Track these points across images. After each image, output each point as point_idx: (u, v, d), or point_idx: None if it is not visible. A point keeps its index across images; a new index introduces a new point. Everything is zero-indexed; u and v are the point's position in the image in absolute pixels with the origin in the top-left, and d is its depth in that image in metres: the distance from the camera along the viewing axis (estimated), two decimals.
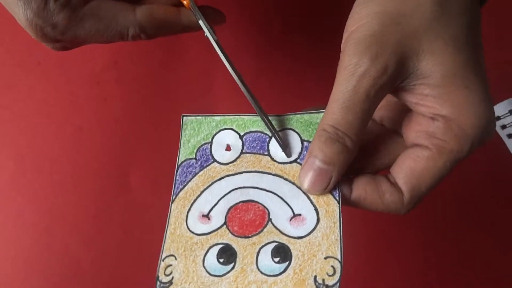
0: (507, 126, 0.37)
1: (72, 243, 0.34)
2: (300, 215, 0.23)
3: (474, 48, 0.21)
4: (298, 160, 0.24)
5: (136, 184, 0.35)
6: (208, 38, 0.25)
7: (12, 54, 0.38)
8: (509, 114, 0.37)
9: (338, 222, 0.22)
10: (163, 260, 0.23)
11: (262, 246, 0.22)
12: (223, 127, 0.25)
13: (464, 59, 0.20)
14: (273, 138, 0.25)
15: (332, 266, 0.21)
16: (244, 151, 0.24)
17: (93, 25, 0.23)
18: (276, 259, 0.21)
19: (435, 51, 0.20)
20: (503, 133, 0.37)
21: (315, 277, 0.21)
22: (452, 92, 0.20)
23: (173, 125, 0.37)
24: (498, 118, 0.37)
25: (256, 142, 0.25)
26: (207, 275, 0.21)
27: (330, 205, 0.22)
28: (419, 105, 0.22)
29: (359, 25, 0.21)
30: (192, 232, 0.23)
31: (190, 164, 0.25)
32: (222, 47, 0.25)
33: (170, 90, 0.38)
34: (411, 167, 0.22)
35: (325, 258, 0.21)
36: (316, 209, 0.23)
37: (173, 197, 0.24)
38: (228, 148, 0.25)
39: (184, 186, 0.24)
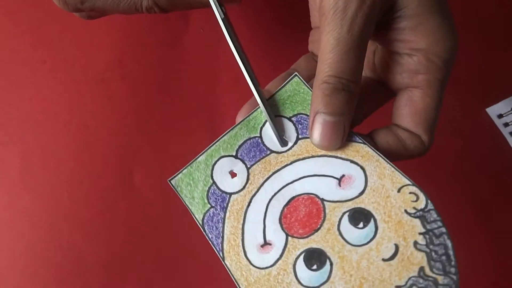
0: (510, 123, 0.37)
1: (78, 240, 0.34)
2: (343, 175, 0.21)
3: None
4: (299, 136, 0.23)
5: (141, 181, 0.35)
6: (216, 16, 0.24)
7: (19, 54, 0.38)
8: (511, 111, 0.37)
9: (380, 157, 0.21)
10: None
11: (338, 225, 0.21)
12: (213, 161, 0.23)
13: None
14: (263, 135, 0.23)
15: (410, 193, 0.20)
16: (249, 166, 0.23)
17: None
18: (360, 225, 0.20)
19: None
20: (505, 131, 0.37)
21: (405, 210, 0.20)
22: (428, 20, 0.21)
23: (178, 123, 0.38)
24: (501, 116, 0.37)
25: (252, 150, 0.23)
26: None
27: (360, 150, 0.22)
28: (396, 41, 0.22)
29: None
30: (266, 268, 0.21)
31: (211, 214, 0.22)
32: (230, 26, 0.24)
33: (174, 88, 0.38)
34: (413, 111, 0.23)
35: (399, 191, 0.20)
36: (352, 161, 0.22)
37: (221, 255, 0.21)
38: (233, 174, 0.23)
39: (223, 237, 0.22)
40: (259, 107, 0.23)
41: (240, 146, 0.23)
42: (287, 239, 0.21)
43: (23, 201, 0.34)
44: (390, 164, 0.21)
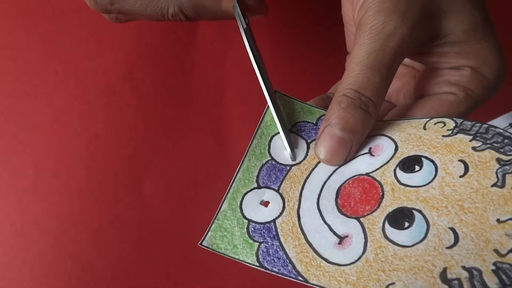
0: None
1: (88, 248, 0.35)
2: (370, 148, 0.22)
3: (485, 7, 0.22)
4: (309, 141, 0.23)
5: (149, 190, 0.36)
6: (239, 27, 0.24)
7: (32, 65, 0.40)
8: (509, 127, 0.38)
9: (389, 122, 0.22)
10: None
11: (398, 180, 0.20)
12: (239, 202, 0.22)
13: (481, 16, 0.21)
14: (274, 156, 0.23)
15: (436, 124, 0.21)
16: (277, 188, 0.22)
17: None
18: (416, 169, 0.20)
19: (455, 10, 0.21)
20: None
21: (443, 136, 0.20)
22: (474, 45, 0.21)
23: (186, 134, 0.39)
24: None
25: (272, 174, 0.22)
26: (415, 249, 0.18)
27: (378, 128, 0.22)
28: (439, 63, 0.22)
29: None
30: (360, 257, 0.19)
31: (264, 250, 0.20)
32: (251, 37, 0.24)
33: (182, 100, 0.39)
34: (434, 109, 0.22)
35: (425, 128, 0.21)
36: (369, 136, 0.22)
37: (302, 278, 0.19)
38: (265, 204, 0.22)
39: (292, 262, 0.19)
40: (255, 134, 0.23)
41: (258, 176, 0.22)
42: (360, 221, 0.19)
43: (35, 209, 0.35)
44: (401, 119, 0.22)
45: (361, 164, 0.21)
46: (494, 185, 0.18)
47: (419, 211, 0.19)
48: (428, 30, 0.20)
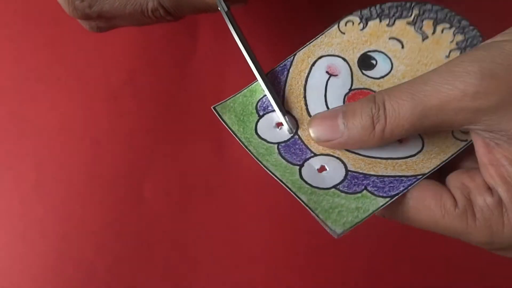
0: None
1: (89, 251, 0.35)
2: (329, 66, 0.25)
3: None
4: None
5: (150, 195, 0.37)
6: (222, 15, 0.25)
7: (35, 70, 0.40)
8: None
9: (317, 38, 0.25)
10: None
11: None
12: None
13: None
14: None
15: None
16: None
17: None
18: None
19: None
20: None
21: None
22: None
23: (186, 139, 0.39)
24: None
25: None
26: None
27: (310, 54, 0.25)
28: (485, 169, 0.19)
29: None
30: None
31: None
32: (234, 20, 0.25)
33: (183, 106, 0.40)
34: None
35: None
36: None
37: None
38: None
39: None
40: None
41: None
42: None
43: (37, 213, 0.36)
44: (313, 40, 0.25)
45: (338, 89, 0.24)
46: (423, 40, 0.25)
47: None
48: (492, 115, 0.18)
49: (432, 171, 0.22)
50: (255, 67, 0.25)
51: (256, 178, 0.36)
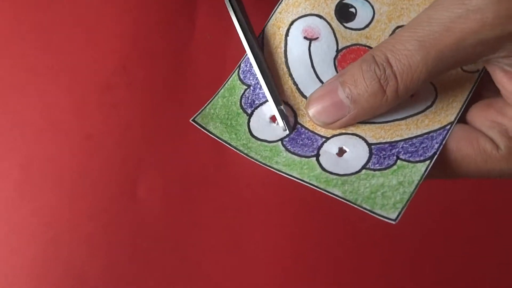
0: None
1: (80, 254, 0.33)
2: (305, 30, 0.22)
3: None
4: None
5: (144, 195, 0.34)
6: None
7: (22, 58, 0.37)
8: None
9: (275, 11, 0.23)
10: None
11: None
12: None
13: None
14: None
15: None
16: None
17: None
18: None
19: None
20: None
21: None
22: None
23: (184, 132, 0.36)
24: None
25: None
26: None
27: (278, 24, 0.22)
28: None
29: None
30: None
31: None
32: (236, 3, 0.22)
33: (180, 96, 0.37)
34: (471, 157, 0.19)
35: None
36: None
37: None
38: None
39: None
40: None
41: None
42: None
43: (22, 214, 0.33)
44: (273, 14, 0.22)
45: (325, 54, 0.21)
46: None
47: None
48: None
49: (459, 116, 0.20)
50: (250, 48, 0.22)
51: (258, 175, 0.34)
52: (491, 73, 0.18)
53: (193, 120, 0.21)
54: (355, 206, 0.18)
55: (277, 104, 0.20)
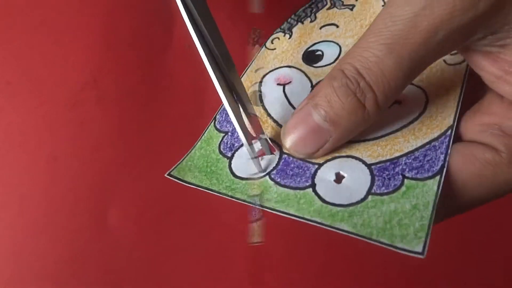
0: None
1: None
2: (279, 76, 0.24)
3: None
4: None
5: (116, 222, 0.32)
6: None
7: None
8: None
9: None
10: None
11: None
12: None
13: None
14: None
15: None
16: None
17: None
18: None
19: None
20: None
21: None
22: None
23: (161, 151, 0.34)
24: None
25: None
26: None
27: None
28: (501, 81, 0.16)
29: None
30: None
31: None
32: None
33: (156, 111, 0.35)
34: (469, 169, 0.16)
35: None
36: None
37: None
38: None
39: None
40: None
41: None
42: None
43: None
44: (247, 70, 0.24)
45: (300, 93, 0.22)
46: (352, 10, 0.24)
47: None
48: (496, 16, 0.14)
49: (457, 116, 0.18)
50: (217, 81, 0.20)
51: (236, 204, 0.31)
52: (469, 61, 0.17)
53: (169, 174, 0.20)
54: (372, 242, 0.15)
55: (248, 140, 0.19)
